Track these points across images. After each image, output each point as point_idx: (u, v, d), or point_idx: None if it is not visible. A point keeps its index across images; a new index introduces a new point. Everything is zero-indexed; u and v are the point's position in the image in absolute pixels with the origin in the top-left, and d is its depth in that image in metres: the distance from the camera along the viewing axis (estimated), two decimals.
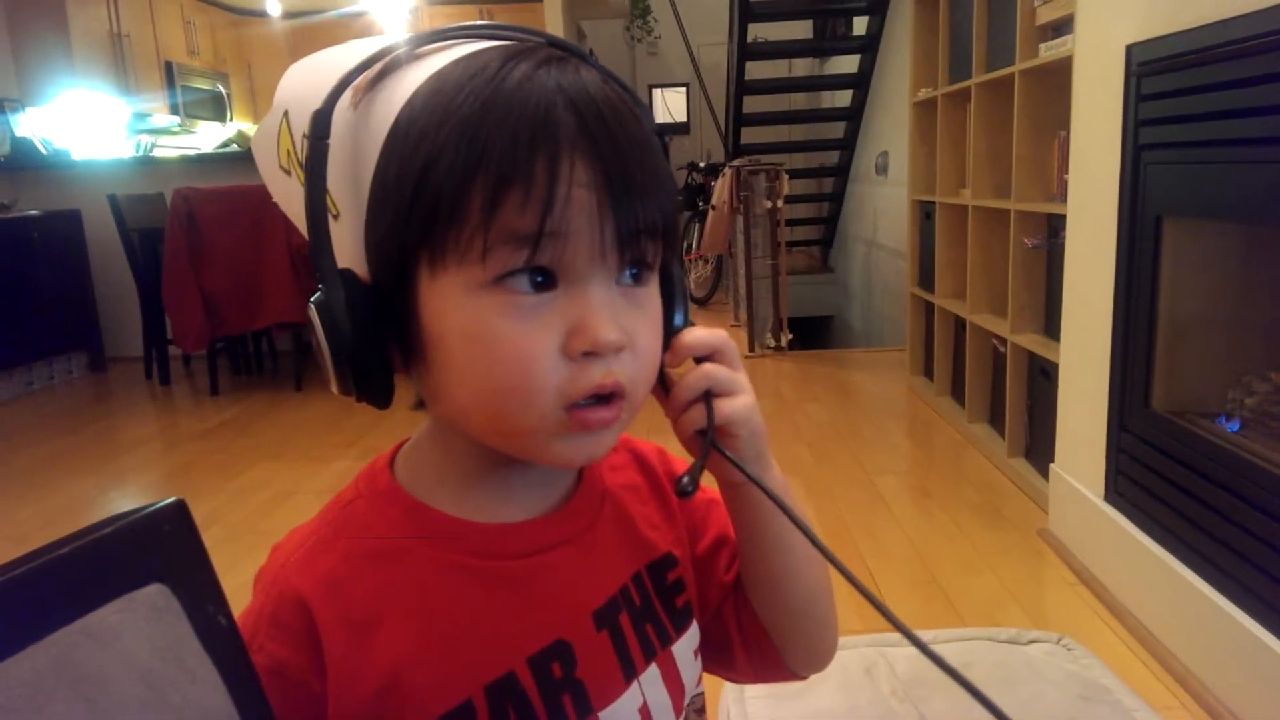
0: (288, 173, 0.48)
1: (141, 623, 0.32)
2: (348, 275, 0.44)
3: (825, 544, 0.48)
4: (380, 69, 0.44)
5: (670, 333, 0.50)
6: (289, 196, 0.49)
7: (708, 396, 0.49)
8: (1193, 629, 1.51)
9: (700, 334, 0.50)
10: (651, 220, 0.44)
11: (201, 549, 0.36)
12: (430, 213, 0.41)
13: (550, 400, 0.42)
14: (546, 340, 0.42)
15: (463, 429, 0.47)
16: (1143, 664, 1.57)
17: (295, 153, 0.47)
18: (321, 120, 0.43)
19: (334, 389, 0.45)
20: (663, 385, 0.50)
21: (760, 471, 0.51)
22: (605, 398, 0.43)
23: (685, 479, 0.47)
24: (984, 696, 0.41)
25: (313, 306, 0.43)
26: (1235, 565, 1.40)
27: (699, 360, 0.50)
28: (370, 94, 0.44)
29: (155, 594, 0.33)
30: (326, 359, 0.43)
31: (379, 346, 0.44)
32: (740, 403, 0.49)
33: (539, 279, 0.42)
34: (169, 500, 0.35)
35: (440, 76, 0.43)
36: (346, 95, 0.44)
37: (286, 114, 0.48)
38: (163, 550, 0.34)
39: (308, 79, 0.47)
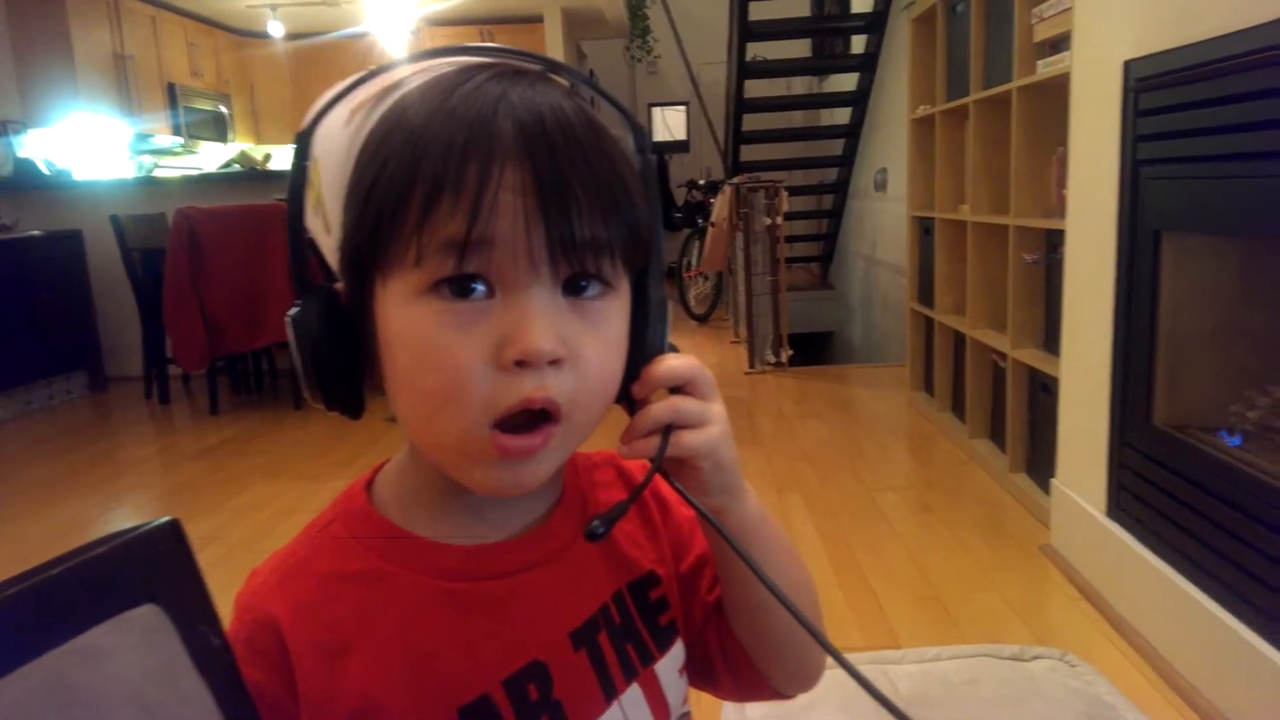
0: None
1: (134, 643, 0.32)
2: (323, 289, 0.46)
3: (819, 565, 0.47)
4: (381, 89, 0.45)
5: (642, 354, 0.48)
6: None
7: (668, 429, 0.47)
8: (1197, 644, 1.49)
9: (671, 364, 0.49)
10: (593, 233, 0.42)
11: (195, 569, 0.36)
12: (376, 221, 0.42)
13: (476, 412, 0.41)
14: (477, 349, 0.41)
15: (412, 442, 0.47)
16: (1147, 680, 1.55)
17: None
18: (301, 142, 0.45)
19: (307, 398, 0.47)
20: (630, 403, 0.49)
21: (728, 502, 0.50)
22: (535, 416, 0.42)
23: (596, 521, 0.44)
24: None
25: (289, 319, 0.45)
26: (1239, 579, 1.39)
27: (673, 390, 0.49)
28: (365, 112, 0.45)
29: (148, 614, 0.33)
30: (299, 369, 0.45)
31: (346, 357, 0.45)
32: (704, 435, 0.48)
33: (474, 285, 0.41)
34: (162, 520, 0.35)
35: (406, 94, 0.44)
36: (344, 113, 0.45)
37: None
38: (156, 570, 0.34)
39: (319, 100, 0.48)
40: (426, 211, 0.40)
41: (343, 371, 0.46)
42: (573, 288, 0.43)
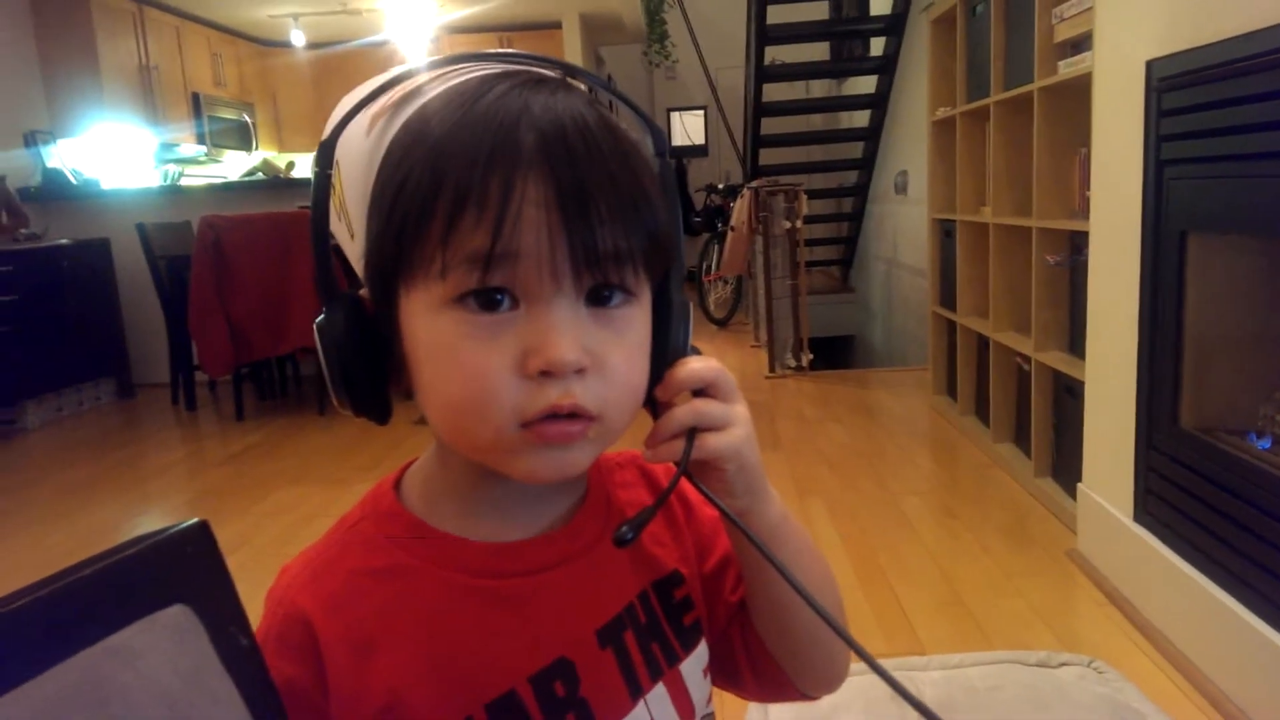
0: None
1: (164, 643, 0.32)
2: (348, 296, 0.46)
3: (842, 569, 0.47)
4: (400, 97, 0.46)
5: (664, 358, 0.49)
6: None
7: (691, 432, 0.47)
8: (1226, 650, 1.47)
9: (694, 367, 0.49)
10: (615, 244, 0.42)
11: (224, 570, 0.36)
12: (400, 232, 0.42)
13: (506, 418, 0.42)
14: (502, 359, 0.42)
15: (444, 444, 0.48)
16: (1176, 686, 1.53)
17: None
18: (324, 151, 0.46)
19: (335, 404, 0.48)
20: (654, 408, 0.49)
21: (752, 504, 0.50)
22: (566, 416, 0.43)
23: (624, 527, 0.45)
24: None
25: (315, 326, 0.46)
26: (1269, 584, 1.37)
27: (696, 393, 0.49)
28: (385, 120, 0.46)
29: (178, 615, 0.33)
30: (326, 376, 0.46)
31: (372, 364, 0.46)
32: (728, 438, 0.48)
33: (498, 297, 0.42)
34: (192, 521, 0.35)
35: (428, 102, 0.44)
36: (364, 121, 0.46)
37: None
38: (186, 571, 0.34)
39: (339, 111, 0.48)
40: (451, 224, 0.41)
41: (370, 378, 0.47)
42: (596, 297, 0.44)
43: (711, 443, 0.48)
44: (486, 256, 0.40)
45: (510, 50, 0.48)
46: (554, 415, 0.43)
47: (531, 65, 0.48)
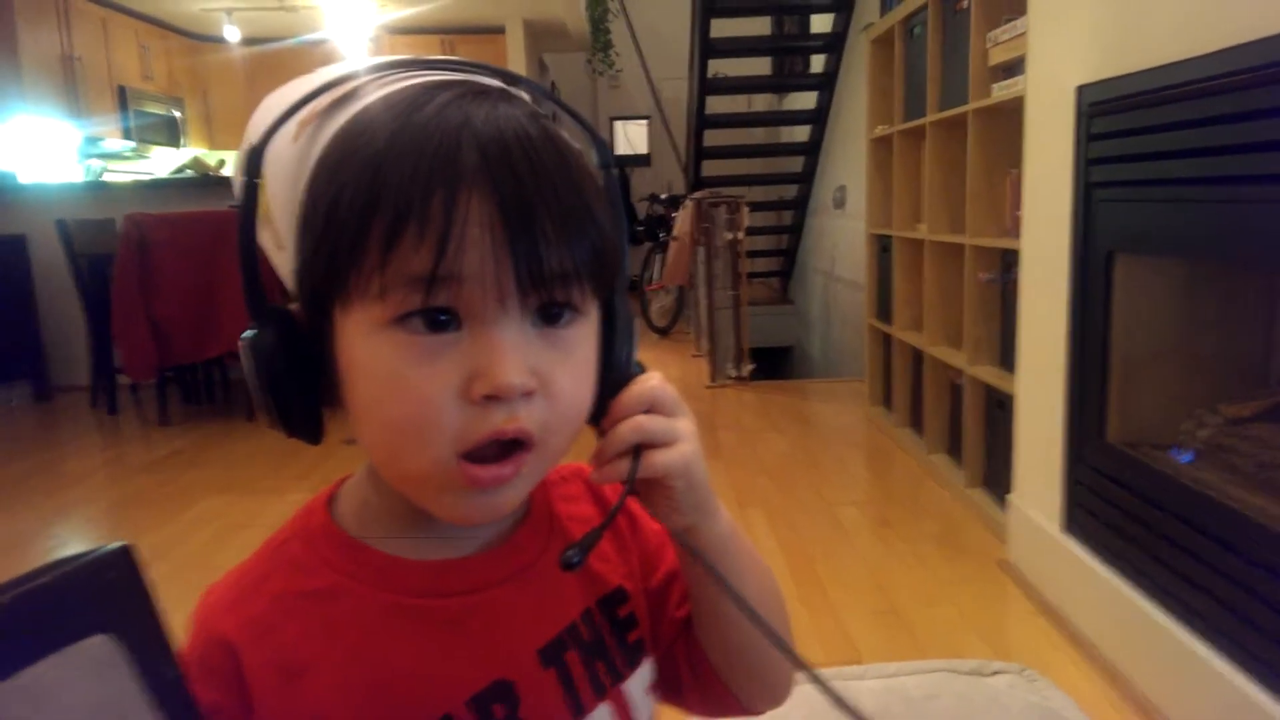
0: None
1: (83, 677, 0.30)
2: (277, 312, 0.44)
3: (780, 578, 0.47)
4: (329, 102, 0.44)
5: (610, 373, 0.48)
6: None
7: (637, 449, 0.47)
8: (1152, 659, 1.52)
9: (635, 392, 0.48)
10: (562, 263, 0.41)
11: (149, 597, 0.34)
12: (334, 249, 0.40)
13: (446, 445, 0.41)
14: (445, 383, 0.40)
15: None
16: (1103, 695, 1.57)
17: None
18: (252, 159, 0.43)
19: (265, 423, 0.46)
20: (600, 431, 0.49)
21: (701, 520, 0.50)
22: (507, 446, 0.42)
23: (571, 551, 0.44)
24: None
25: (242, 343, 0.44)
26: (1191, 594, 1.42)
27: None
28: (314, 127, 0.44)
29: (99, 646, 0.31)
30: (255, 397, 0.44)
31: (303, 384, 0.44)
32: (675, 454, 0.47)
33: (442, 318, 0.40)
34: (115, 545, 0.33)
35: (363, 111, 0.42)
36: (292, 127, 0.44)
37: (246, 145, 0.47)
38: (107, 599, 0.32)
39: (266, 111, 0.46)
40: (389, 244, 0.39)
41: (302, 398, 0.45)
42: (543, 316, 0.43)
43: (658, 459, 0.47)
44: (429, 278, 0.39)
45: (449, 58, 0.46)
46: (490, 449, 0.41)
47: (473, 74, 0.46)
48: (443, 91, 0.42)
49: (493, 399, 0.40)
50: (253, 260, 0.44)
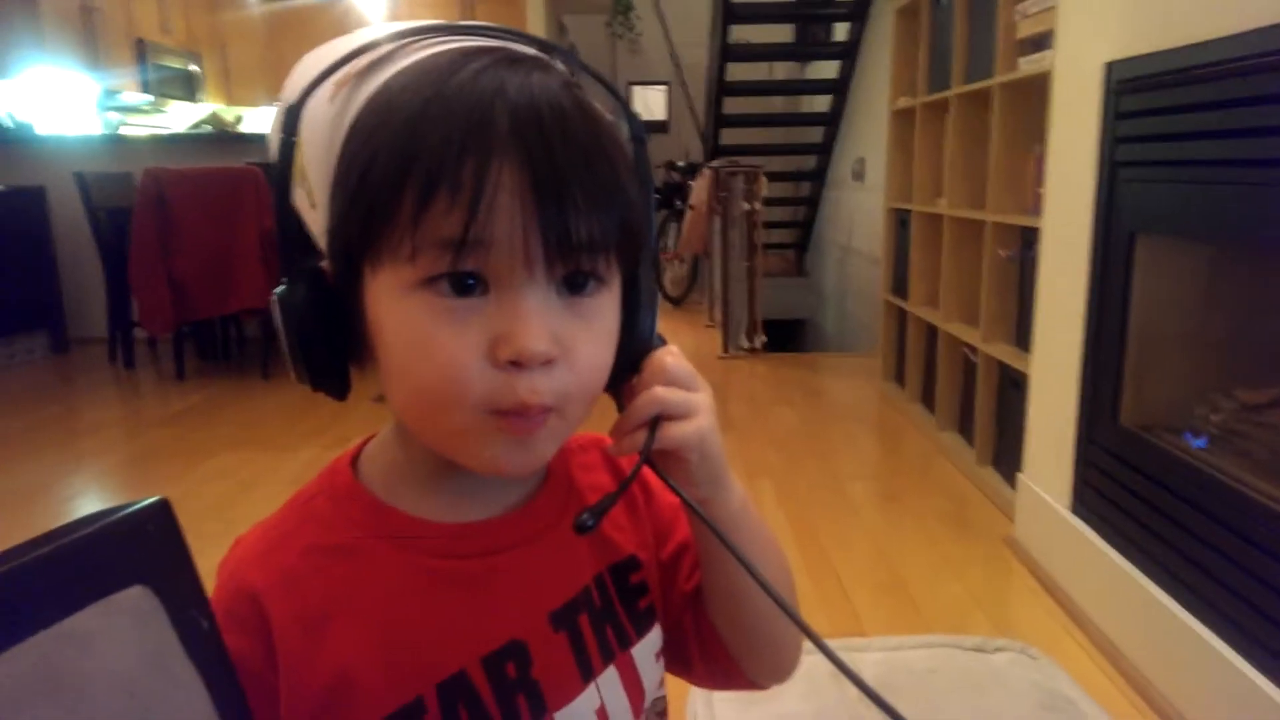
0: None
1: (123, 626, 0.31)
2: (310, 270, 0.45)
3: (787, 550, 0.48)
4: (366, 64, 0.44)
5: (631, 345, 0.49)
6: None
7: (655, 420, 0.48)
8: (1155, 641, 1.53)
9: (655, 365, 0.49)
10: (589, 233, 0.42)
11: (185, 550, 0.35)
12: (367, 212, 0.41)
13: (474, 405, 0.42)
14: (472, 345, 0.41)
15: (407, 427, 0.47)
16: (1104, 675, 1.59)
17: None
18: (290, 117, 0.44)
19: (293, 377, 0.47)
20: (618, 397, 0.50)
21: (715, 493, 0.51)
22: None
23: (585, 514, 0.45)
24: (895, 712, 0.42)
25: (274, 299, 0.45)
26: (1197, 579, 1.43)
27: None
28: (349, 89, 0.44)
29: (138, 596, 0.32)
30: (285, 350, 0.45)
31: (334, 341, 0.45)
32: (692, 426, 0.48)
33: (469, 282, 0.41)
34: (152, 499, 0.34)
35: (398, 75, 0.43)
36: (328, 87, 0.44)
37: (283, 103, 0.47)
38: (146, 551, 0.33)
39: (303, 70, 0.47)
40: (421, 207, 0.40)
41: (331, 353, 0.46)
42: (568, 285, 0.44)
43: (674, 431, 0.48)
44: (458, 242, 0.40)
45: (486, 24, 0.47)
46: (521, 412, 0.42)
47: (509, 41, 0.46)
48: (478, 58, 0.42)
49: (517, 365, 0.41)
50: (288, 218, 0.45)
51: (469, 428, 0.43)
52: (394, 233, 0.41)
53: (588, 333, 0.44)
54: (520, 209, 0.40)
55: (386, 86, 0.43)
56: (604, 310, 0.46)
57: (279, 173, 0.45)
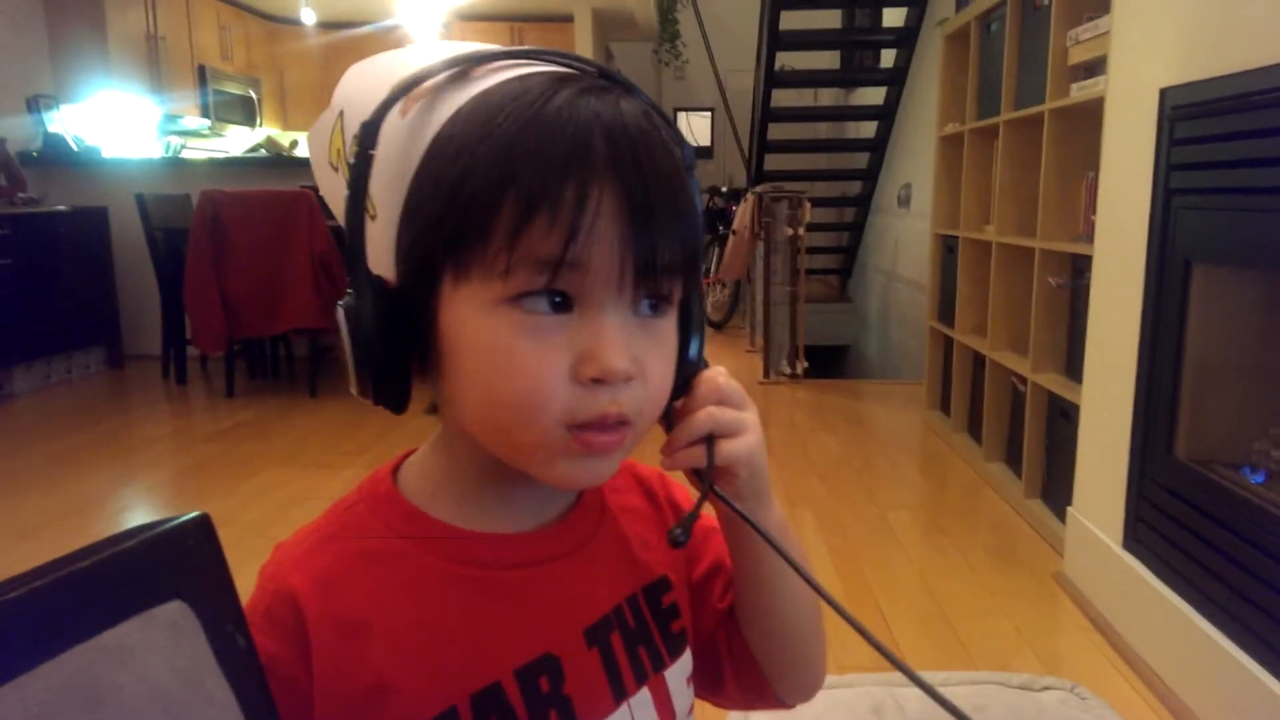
0: (335, 169, 0.49)
1: (160, 641, 0.31)
2: (377, 281, 0.45)
3: (828, 581, 0.48)
4: (444, 80, 0.45)
5: (684, 367, 0.50)
6: (333, 191, 0.50)
7: (710, 439, 0.49)
8: (1210, 682, 1.47)
9: (707, 384, 0.50)
10: (671, 257, 0.44)
11: (224, 565, 0.35)
12: (459, 225, 0.42)
13: (554, 421, 0.43)
14: (557, 362, 0.42)
15: (472, 438, 0.47)
16: (1157, 717, 1.53)
17: (344, 153, 0.48)
18: (370, 131, 0.44)
19: (353, 390, 0.47)
20: (666, 417, 0.50)
21: (757, 509, 0.52)
22: (611, 425, 0.44)
23: (679, 530, 0.47)
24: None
25: (340, 309, 0.45)
26: (1256, 618, 1.37)
27: None
28: (422, 105, 0.45)
29: (175, 611, 0.32)
30: (349, 361, 0.45)
31: (400, 353, 0.45)
32: (743, 444, 0.50)
33: (557, 300, 0.42)
34: (193, 514, 0.34)
35: (485, 95, 0.44)
36: (399, 102, 0.45)
37: (342, 114, 0.48)
38: (185, 566, 0.33)
39: (365, 83, 0.47)
40: (520, 226, 0.41)
41: (395, 367, 0.46)
42: (643, 306, 0.45)
43: (727, 448, 0.49)
44: (556, 262, 0.41)
45: (566, 53, 0.47)
46: (596, 425, 0.43)
47: (578, 66, 0.47)
48: (570, 84, 0.43)
49: (599, 381, 0.43)
50: (359, 227, 0.45)
51: (546, 441, 0.44)
52: (487, 248, 0.41)
53: (658, 352, 0.46)
54: (616, 233, 0.41)
55: (478, 103, 0.43)
56: (670, 331, 0.48)
57: (353, 185, 0.45)
